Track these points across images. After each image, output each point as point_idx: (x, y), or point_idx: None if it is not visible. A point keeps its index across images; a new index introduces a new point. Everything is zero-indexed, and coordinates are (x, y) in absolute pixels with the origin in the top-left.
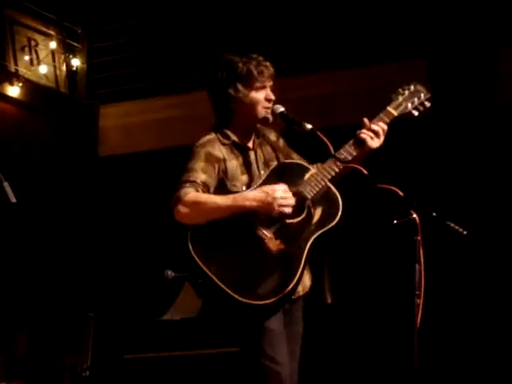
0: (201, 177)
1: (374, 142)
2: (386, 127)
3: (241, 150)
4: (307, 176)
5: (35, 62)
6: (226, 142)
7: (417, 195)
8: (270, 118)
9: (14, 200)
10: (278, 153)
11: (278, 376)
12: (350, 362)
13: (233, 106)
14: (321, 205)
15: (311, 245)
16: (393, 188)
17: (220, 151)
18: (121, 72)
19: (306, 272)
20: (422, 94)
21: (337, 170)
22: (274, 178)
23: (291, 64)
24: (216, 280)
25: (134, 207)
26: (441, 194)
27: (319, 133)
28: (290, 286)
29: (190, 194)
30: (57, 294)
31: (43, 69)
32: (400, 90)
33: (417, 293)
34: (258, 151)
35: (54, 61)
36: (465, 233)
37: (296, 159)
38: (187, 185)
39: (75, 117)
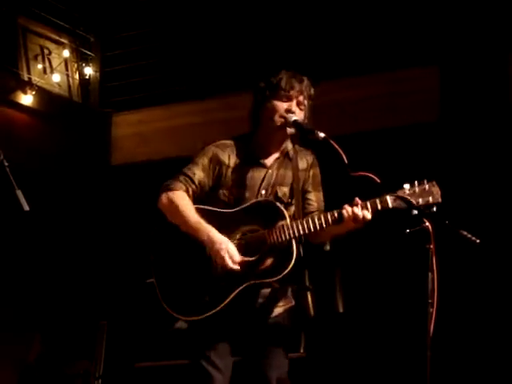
0: (199, 175)
1: (352, 225)
2: (369, 217)
3: (252, 164)
4: (279, 223)
5: (48, 70)
6: (241, 152)
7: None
8: (288, 129)
9: (27, 208)
10: (294, 182)
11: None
12: (363, 372)
13: (259, 113)
14: (274, 256)
15: (244, 288)
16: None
17: (228, 157)
18: (133, 80)
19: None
20: (431, 198)
21: (302, 231)
22: (252, 210)
23: (305, 71)
24: (156, 286)
25: (147, 216)
26: (454, 202)
27: (332, 141)
28: (208, 314)
29: (178, 191)
30: (70, 302)
31: (56, 77)
32: (416, 182)
33: (430, 301)
34: (273, 171)
35: (66, 69)
36: (478, 241)
37: (311, 199)
38: (182, 178)
39: (88, 125)
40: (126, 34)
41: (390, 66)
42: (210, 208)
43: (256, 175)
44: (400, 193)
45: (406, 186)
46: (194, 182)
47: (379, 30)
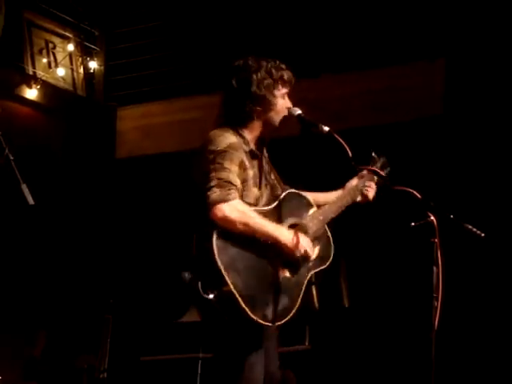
0: (238, 182)
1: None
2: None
3: (254, 159)
4: (311, 212)
5: (53, 64)
6: (245, 148)
7: (434, 197)
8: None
9: (32, 202)
10: (270, 169)
11: None
12: (368, 365)
13: (254, 108)
14: (318, 244)
15: (308, 280)
16: (410, 190)
17: (244, 159)
18: (138, 74)
19: None
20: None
21: (337, 213)
22: (283, 204)
23: (309, 66)
24: (232, 288)
25: (151, 209)
26: (459, 196)
27: (336, 135)
28: (290, 315)
29: (237, 200)
30: (75, 296)
31: (61, 71)
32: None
33: (434, 295)
34: (264, 161)
35: (71, 63)
36: (482, 235)
37: (276, 176)
38: (232, 188)
39: (92, 119)
40: (131, 29)
41: (393, 61)
42: (257, 208)
43: (256, 170)
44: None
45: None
46: (239, 190)
47: (383, 25)
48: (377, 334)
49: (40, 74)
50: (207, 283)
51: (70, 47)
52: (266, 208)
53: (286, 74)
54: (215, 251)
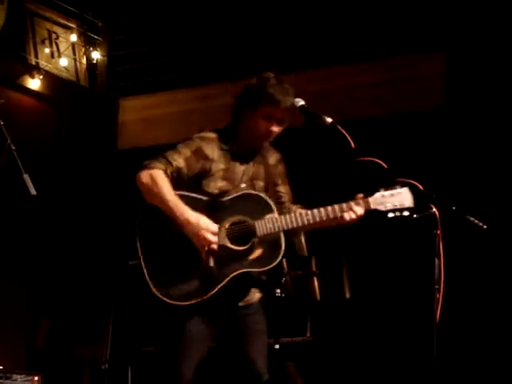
0: (179, 162)
1: (348, 221)
2: (362, 214)
3: (234, 159)
4: (268, 216)
5: (56, 54)
6: (224, 146)
7: (436, 189)
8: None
9: (34, 192)
10: (266, 177)
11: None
12: (369, 357)
13: (242, 114)
14: (264, 247)
15: (235, 276)
16: (413, 182)
17: (212, 152)
18: (141, 65)
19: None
20: (406, 202)
21: (295, 225)
22: (238, 201)
23: (311, 57)
24: (142, 262)
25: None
26: (461, 188)
27: (339, 126)
28: (193, 301)
29: (158, 170)
30: (77, 287)
31: (63, 61)
32: (391, 187)
33: (436, 287)
34: (251, 166)
35: (74, 54)
36: (485, 227)
37: (282, 191)
38: (163, 161)
39: (95, 109)
40: (134, 19)
41: (395, 52)
42: (197, 196)
43: (237, 169)
44: (378, 195)
45: (382, 190)
46: (172, 167)
47: (385, 16)
48: (378, 325)
49: (43, 64)
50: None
51: (73, 37)
52: (213, 199)
53: (276, 94)
54: (137, 226)
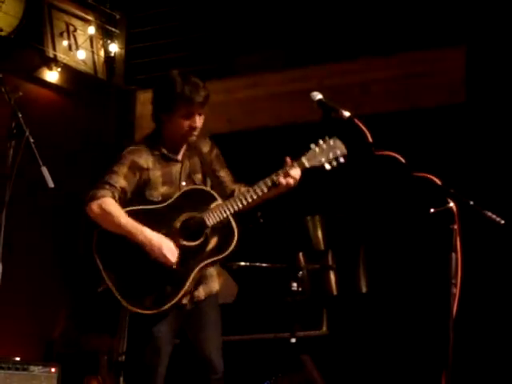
0: (121, 182)
1: (287, 186)
2: (299, 174)
3: (167, 161)
4: (213, 205)
5: (73, 47)
6: (155, 152)
7: (454, 184)
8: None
9: (51, 185)
10: (204, 166)
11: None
12: (386, 351)
13: (162, 117)
14: (217, 234)
15: (200, 269)
16: (430, 176)
17: (146, 161)
18: (159, 58)
19: (212, 279)
20: (339, 151)
21: (240, 205)
22: (182, 200)
23: (329, 50)
24: (109, 284)
25: None
26: (479, 182)
27: (357, 120)
28: (173, 302)
29: (106, 198)
30: (94, 279)
31: (81, 54)
32: (320, 141)
33: (453, 282)
34: (186, 162)
35: (92, 46)
36: (502, 222)
37: (222, 175)
38: (107, 187)
39: (112, 102)
40: (152, 12)
41: (414, 46)
42: (143, 207)
43: (173, 170)
44: (308, 155)
45: (314, 147)
46: (117, 189)
47: (404, 11)
48: (395, 320)
49: (60, 56)
50: (98, 278)
51: (91, 30)
52: (157, 206)
53: (188, 94)
54: (95, 251)
